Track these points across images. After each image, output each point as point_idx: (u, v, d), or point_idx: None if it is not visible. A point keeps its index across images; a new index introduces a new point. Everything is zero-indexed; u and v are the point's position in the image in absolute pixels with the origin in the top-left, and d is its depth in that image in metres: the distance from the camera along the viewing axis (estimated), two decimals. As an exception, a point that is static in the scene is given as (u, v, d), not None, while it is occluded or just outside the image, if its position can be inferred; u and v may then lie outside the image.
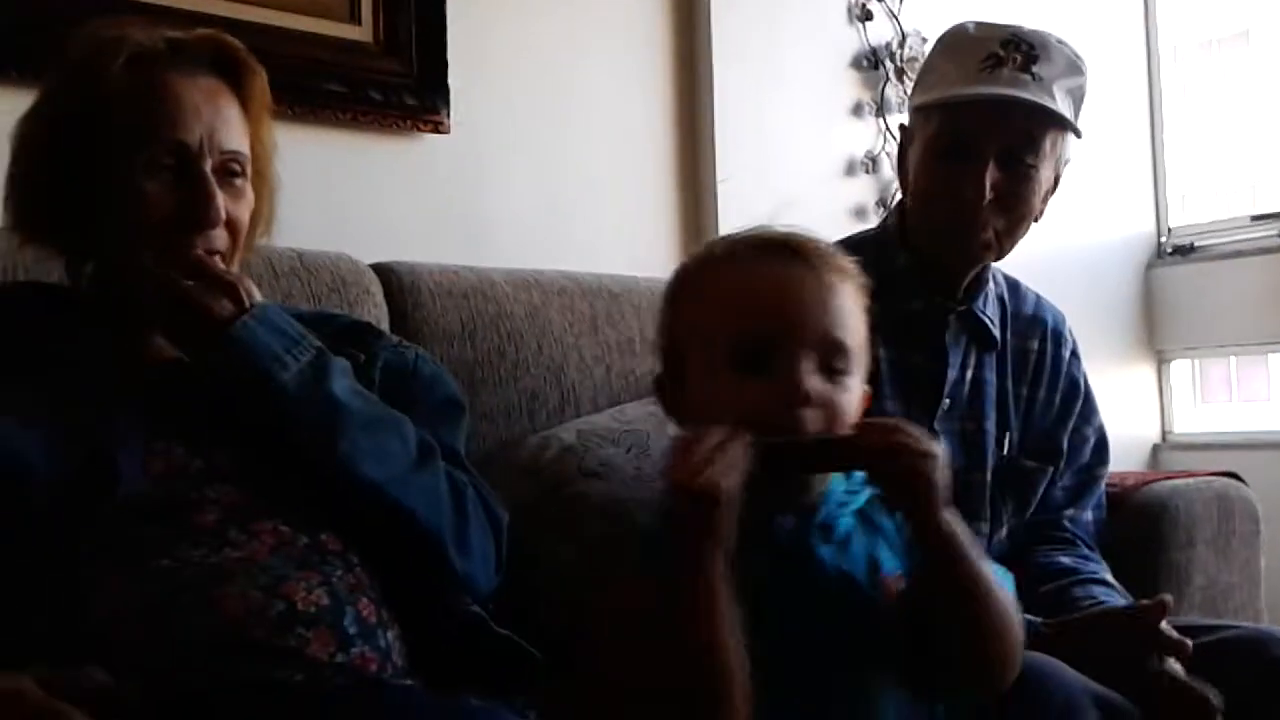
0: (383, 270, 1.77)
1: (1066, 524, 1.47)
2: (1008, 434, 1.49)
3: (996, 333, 1.50)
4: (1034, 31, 1.41)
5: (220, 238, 1.21)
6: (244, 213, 1.23)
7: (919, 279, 1.46)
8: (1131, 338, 3.20)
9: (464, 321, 1.75)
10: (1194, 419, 3.22)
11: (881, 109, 2.68)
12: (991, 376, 1.49)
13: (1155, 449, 3.20)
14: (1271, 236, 3.08)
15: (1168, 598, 1.22)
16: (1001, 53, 1.36)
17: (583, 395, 1.80)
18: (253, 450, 1.16)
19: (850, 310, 0.96)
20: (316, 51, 1.97)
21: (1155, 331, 3.22)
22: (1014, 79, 1.36)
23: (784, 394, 0.91)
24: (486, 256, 2.03)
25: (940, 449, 0.89)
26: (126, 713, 0.96)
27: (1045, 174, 1.40)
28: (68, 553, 1.05)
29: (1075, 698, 1.09)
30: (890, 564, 0.95)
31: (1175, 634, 1.20)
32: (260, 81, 1.27)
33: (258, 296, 1.16)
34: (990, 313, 1.50)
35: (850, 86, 2.67)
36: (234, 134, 1.22)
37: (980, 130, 1.37)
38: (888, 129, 2.67)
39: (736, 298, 0.95)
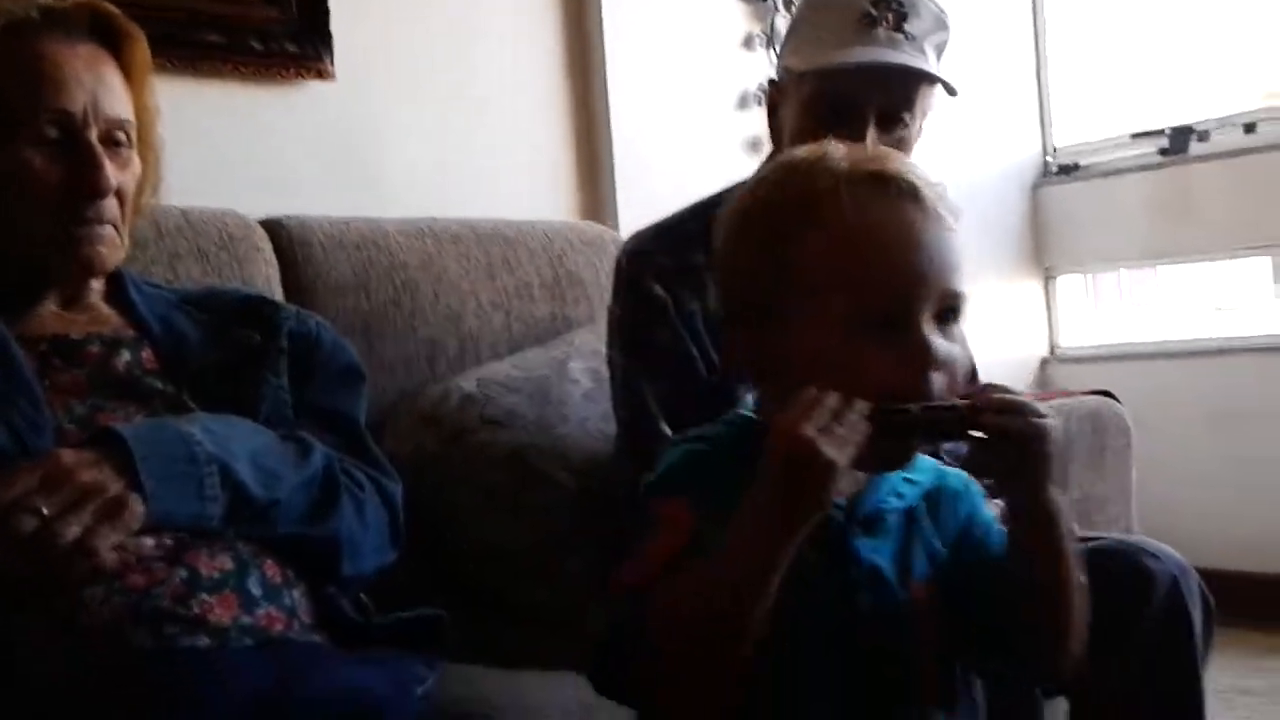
0: (271, 225, 1.75)
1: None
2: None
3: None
4: None
5: (110, 207, 1.20)
6: (131, 181, 1.22)
7: None
8: (1020, 256, 3.30)
9: (356, 273, 1.74)
10: (1080, 333, 3.34)
11: (771, 40, 2.69)
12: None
13: (1044, 363, 3.32)
14: (1151, 153, 3.19)
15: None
16: (874, 11, 1.37)
17: (482, 342, 1.81)
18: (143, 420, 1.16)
19: (961, 253, 0.87)
20: (194, 2, 1.93)
21: (1042, 249, 3.32)
22: (890, 39, 1.36)
23: (913, 359, 0.82)
24: (379, 205, 2.02)
25: (1055, 420, 0.84)
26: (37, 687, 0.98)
27: (917, 129, 1.42)
28: None
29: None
30: (921, 568, 0.89)
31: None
32: (141, 47, 1.25)
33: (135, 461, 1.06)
34: None
35: (740, 19, 2.68)
36: (117, 101, 1.20)
37: (859, 95, 1.37)
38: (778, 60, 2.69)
39: (860, 250, 0.83)
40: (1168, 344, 3.16)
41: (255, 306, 1.34)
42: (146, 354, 1.24)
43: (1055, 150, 3.36)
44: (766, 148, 2.61)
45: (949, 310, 0.85)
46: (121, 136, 1.21)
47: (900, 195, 0.85)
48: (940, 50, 1.43)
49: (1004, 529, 0.90)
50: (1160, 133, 3.16)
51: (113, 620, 1.02)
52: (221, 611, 1.07)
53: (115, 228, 1.21)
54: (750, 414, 0.92)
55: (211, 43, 1.96)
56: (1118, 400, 1.78)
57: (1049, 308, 3.35)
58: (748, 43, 2.69)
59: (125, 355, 1.22)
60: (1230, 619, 2.72)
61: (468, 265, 1.85)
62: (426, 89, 2.20)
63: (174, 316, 1.28)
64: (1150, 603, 1.25)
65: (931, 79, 1.39)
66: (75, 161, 1.16)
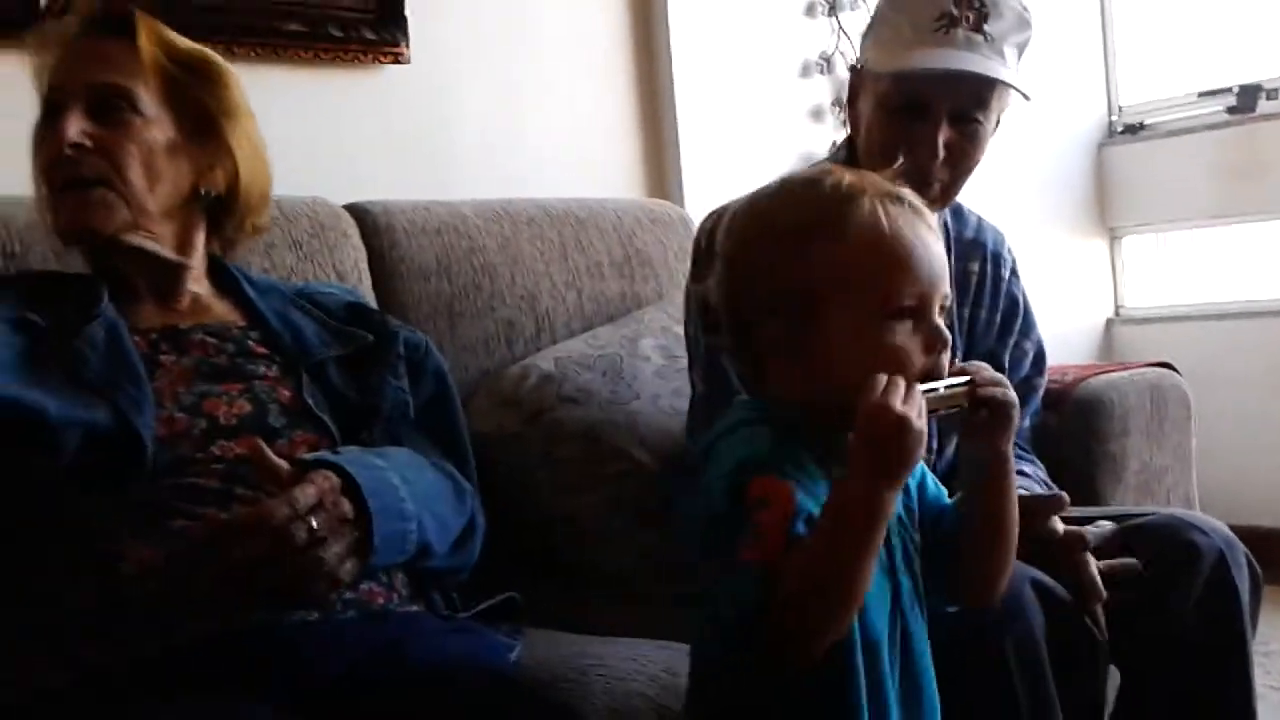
0: (357, 211, 1.82)
1: (1005, 432, 1.59)
2: (956, 355, 1.57)
3: (941, 260, 1.58)
4: None
5: (90, 165, 1.24)
6: (134, 144, 1.26)
7: None
8: (1085, 216, 3.30)
9: (439, 258, 1.81)
10: (1145, 294, 3.34)
11: (834, 8, 2.71)
12: (938, 302, 1.57)
13: (1109, 324, 3.33)
14: (1218, 112, 3.16)
15: (1064, 497, 1.33)
16: (955, 11, 1.39)
17: (557, 321, 1.87)
18: (248, 407, 1.25)
19: None
20: (274, -8, 2.01)
21: (1107, 209, 3.31)
22: (968, 40, 1.39)
23: (932, 343, 0.97)
24: (452, 184, 2.09)
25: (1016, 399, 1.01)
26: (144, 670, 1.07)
27: (991, 126, 1.45)
28: (95, 516, 1.14)
29: (1017, 584, 1.18)
30: (932, 489, 1.08)
31: (1061, 529, 1.31)
32: (148, 24, 1.31)
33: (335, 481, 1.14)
34: None
35: (804, -13, 2.69)
36: (109, 71, 1.27)
37: (934, 94, 1.41)
38: (841, 28, 2.71)
39: (895, 249, 0.97)
40: (1233, 305, 3.14)
41: (362, 312, 1.43)
42: (253, 341, 1.32)
43: (1121, 109, 3.33)
44: (830, 117, 2.68)
45: (944, 307, 1.00)
46: (119, 103, 1.26)
47: (916, 213, 1.00)
48: (1022, 49, 1.45)
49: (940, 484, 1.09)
50: (1228, 91, 3.13)
51: (229, 598, 1.10)
52: (325, 586, 1.13)
53: (107, 186, 1.25)
54: (754, 402, 1.06)
55: (293, 31, 2.04)
56: (1177, 371, 1.81)
57: (1114, 268, 3.35)
58: (810, 10, 2.70)
59: (231, 345, 1.30)
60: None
61: (542, 246, 1.92)
62: (497, 71, 2.25)
63: (289, 311, 1.36)
64: (1198, 576, 1.31)
65: (1004, 83, 1.41)
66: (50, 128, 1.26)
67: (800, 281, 0.98)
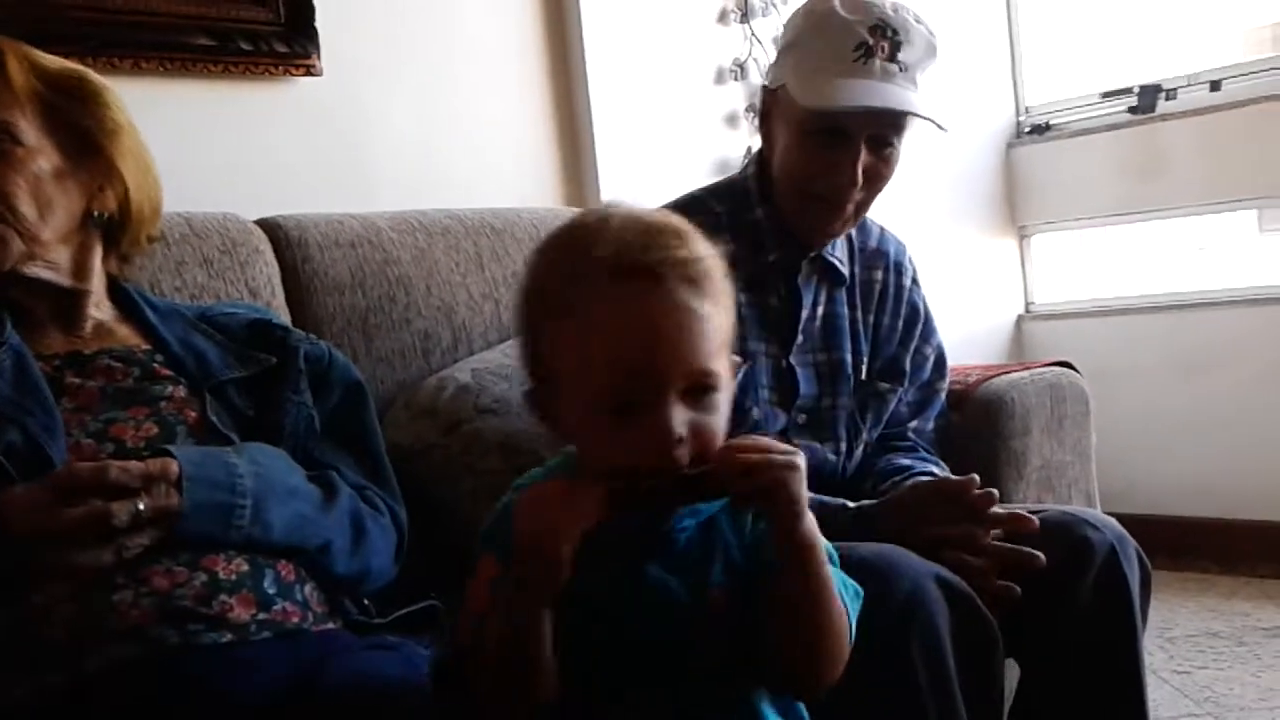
0: (269, 226, 1.82)
1: (910, 435, 1.64)
2: (862, 360, 1.62)
3: (845, 270, 1.62)
4: (897, 13, 1.47)
5: None
6: (21, 177, 1.24)
7: (774, 232, 1.57)
8: (994, 215, 3.38)
9: (353, 271, 1.81)
10: (1054, 291, 3.43)
11: (746, 15, 2.75)
12: (844, 310, 1.61)
13: (1019, 320, 3.41)
14: (1121, 111, 3.26)
15: (975, 478, 1.38)
16: (870, 41, 1.43)
17: (474, 332, 1.88)
18: (155, 430, 1.25)
19: (716, 326, 0.92)
20: (182, 7, 1.99)
21: (1016, 208, 3.40)
22: (884, 71, 1.43)
23: (652, 438, 0.89)
24: (367, 196, 2.10)
25: (801, 460, 0.90)
26: (70, 685, 1.07)
27: (903, 143, 1.50)
28: (4, 543, 1.12)
29: (920, 582, 1.22)
30: (717, 577, 0.96)
31: (983, 506, 1.36)
32: (13, 57, 1.28)
33: (173, 468, 1.16)
34: (839, 254, 1.62)
35: (715, -7, 2.72)
36: None
37: (854, 124, 1.45)
38: (754, 35, 2.75)
39: (602, 346, 0.90)
40: (1140, 299, 3.23)
41: (263, 330, 1.43)
42: (158, 364, 1.32)
43: (1028, 110, 3.42)
44: (744, 122, 2.72)
45: (699, 387, 0.91)
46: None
47: (641, 280, 0.90)
48: (929, 72, 1.49)
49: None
50: (1129, 91, 3.23)
51: (141, 621, 1.11)
52: (241, 609, 1.16)
53: (1, 222, 1.23)
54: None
55: (201, 45, 2.02)
56: (1077, 370, 1.88)
57: (1024, 266, 3.43)
58: (723, 17, 2.74)
59: (136, 368, 1.30)
60: (1196, 564, 2.87)
61: (458, 257, 1.92)
62: (410, 82, 2.25)
63: (190, 334, 1.37)
64: (1090, 570, 1.36)
65: (922, 116, 1.46)
66: None
67: (537, 360, 0.96)
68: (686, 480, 0.90)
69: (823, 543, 0.93)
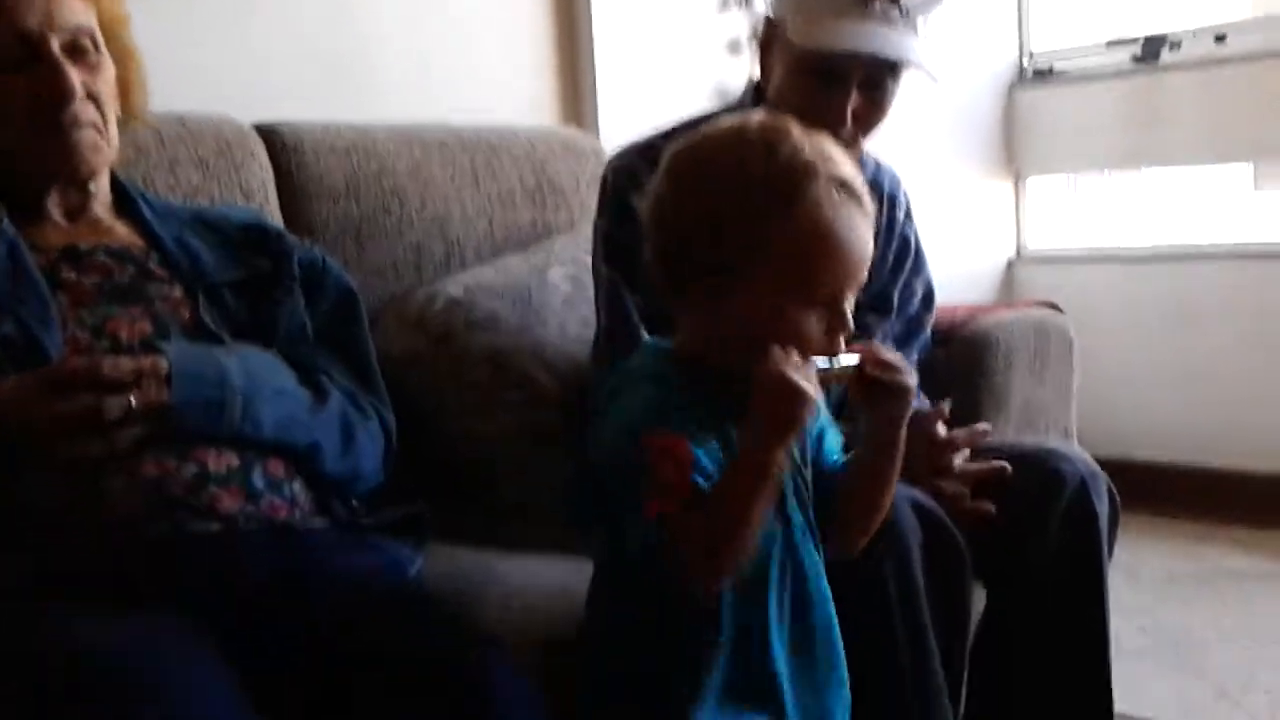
0: (266, 131, 1.80)
1: (896, 366, 1.66)
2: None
3: (839, 201, 1.63)
4: None
5: (84, 111, 1.27)
6: (103, 84, 1.30)
7: None
8: (991, 158, 3.38)
9: (347, 179, 1.81)
10: (1048, 237, 3.44)
11: (753, -58, 2.72)
12: (835, 239, 1.62)
13: (1010, 264, 3.43)
14: (1125, 60, 3.25)
15: (944, 406, 1.46)
16: None
17: (467, 247, 1.89)
18: (150, 328, 1.26)
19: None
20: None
21: (1014, 151, 3.40)
22: (884, 14, 1.42)
23: (836, 330, 1.04)
24: (364, 105, 2.07)
25: (914, 381, 1.08)
26: (64, 571, 1.09)
27: (899, 87, 1.50)
28: None
29: (895, 504, 1.25)
30: (831, 442, 1.15)
31: (943, 433, 1.42)
32: None
33: (163, 365, 1.18)
34: None
35: (721, -82, 2.69)
36: (74, 11, 1.27)
37: (847, 67, 1.45)
38: (760, -38, 2.72)
39: (830, 244, 1.03)
40: (1132, 249, 3.25)
41: (258, 233, 1.43)
42: (154, 264, 1.33)
43: (1031, 55, 3.41)
44: (746, 50, 2.70)
45: (852, 300, 1.06)
46: (86, 43, 1.28)
47: (858, 204, 1.05)
48: (933, 13, 1.48)
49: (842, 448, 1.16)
50: (1134, 41, 3.22)
51: (132, 511, 1.13)
52: (229, 501, 1.18)
53: (96, 130, 1.28)
54: (662, 344, 1.11)
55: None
56: (1061, 311, 1.90)
57: (1018, 209, 3.44)
58: (730, -57, 2.71)
59: (132, 266, 1.31)
60: (1170, 509, 2.92)
61: (453, 171, 1.92)
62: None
63: (185, 234, 1.37)
64: (1060, 501, 1.39)
65: (917, 65, 1.45)
66: (39, 74, 1.24)
67: (734, 247, 1.02)
68: (848, 367, 1.06)
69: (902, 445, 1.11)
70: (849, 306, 1.05)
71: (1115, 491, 1.44)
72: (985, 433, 1.47)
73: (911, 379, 1.08)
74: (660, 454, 0.99)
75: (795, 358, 0.99)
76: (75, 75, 1.25)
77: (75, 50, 1.27)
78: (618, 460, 1.02)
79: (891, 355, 1.08)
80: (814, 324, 1.03)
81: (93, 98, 1.28)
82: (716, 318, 1.05)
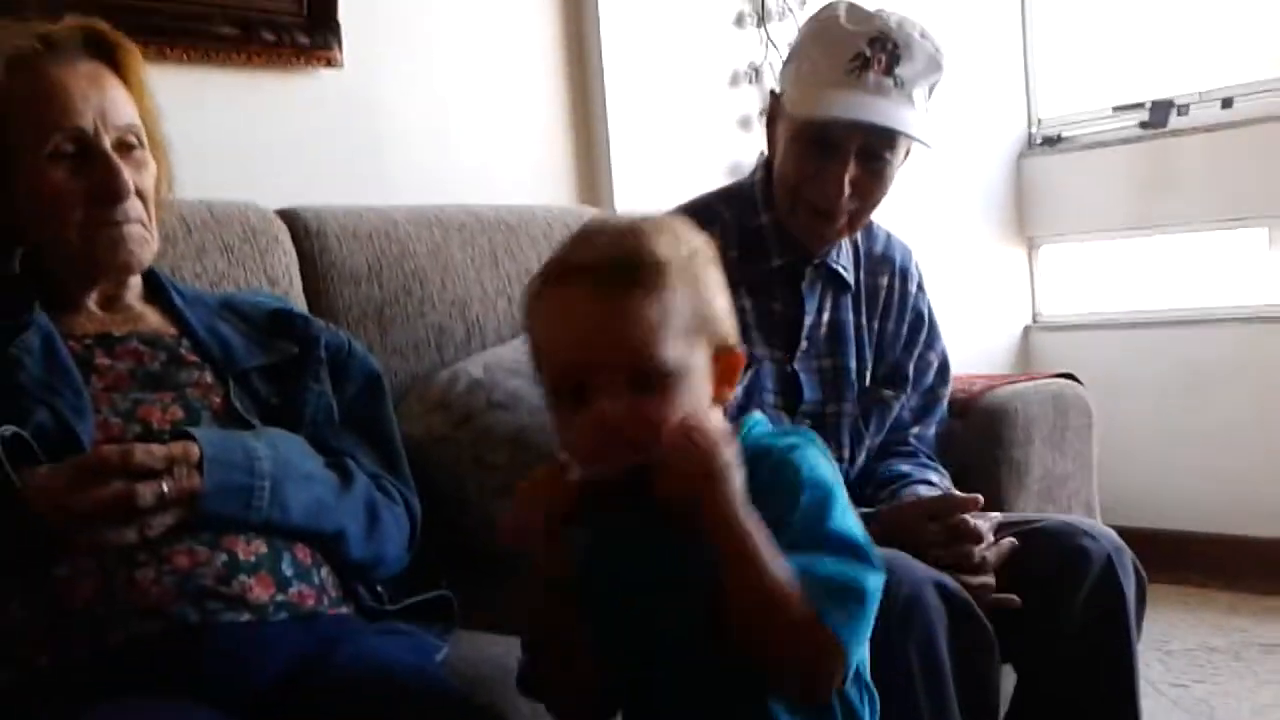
0: (289, 216, 1.84)
1: (912, 440, 1.66)
2: (866, 367, 1.65)
3: (850, 277, 1.65)
4: (900, 27, 1.49)
5: (134, 207, 1.31)
6: (149, 180, 1.33)
7: (778, 239, 1.60)
8: (1004, 225, 3.40)
9: (370, 263, 1.84)
10: (1062, 303, 3.44)
11: (763, 19, 2.77)
12: (848, 316, 1.64)
13: (1026, 331, 3.43)
14: (1132, 126, 3.28)
15: (978, 497, 1.43)
16: (868, 53, 1.45)
17: (487, 327, 1.91)
18: (181, 414, 1.28)
19: (661, 316, 0.93)
20: (208, -4, 2.02)
21: (1026, 218, 3.42)
22: (878, 84, 1.45)
23: (586, 428, 0.92)
24: (385, 189, 2.12)
25: (729, 451, 0.89)
26: (94, 659, 1.10)
27: (899, 160, 1.52)
28: (31, 520, 1.14)
29: (919, 586, 1.25)
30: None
31: (972, 524, 1.40)
32: (134, 55, 1.35)
33: (194, 452, 1.19)
34: (843, 261, 1.65)
35: (733, -2, 2.74)
36: (122, 109, 1.31)
37: (843, 136, 1.48)
38: (770, 39, 2.77)
39: (547, 336, 0.98)
40: (1143, 314, 3.25)
41: (285, 319, 1.45)
42: (185, 350, 1.35)
43: (1039, 122, 3.44)
44: (758, 126, 2.75)
45: (642, 374, 0.92)
46: (133, 140, 1.31)
47: (584, 279, 0.94)
48: (933, 89, 1.51)
49: None
50: (1141, 106, 3.25)
51: (162, 599, 1.13)
52: (259, 590, 1.18)
53: (143, 225, 1.32)
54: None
55: (225, 35, 2.05)
56: (1080, 382, 1.90)
57: (1032, 277, 3.45)
58: (739, 20, 2.76)
59: (163, 353, 1.33)
60: (1196, 579, 2.88)
61: (473, 253, 1.94)
62: (429, 76, 2.28)
63: (215, 321, 1.39)
64: (1086, 579, 1.39)
65: (908, 135, 1.48)
66: (95, 171, 1.27)
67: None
68: (630, 474, 0.91)
69: (762, 535, 0.90)
70: (608, 400, 0.91)
71: (1141, 568, 1.43)
72: (998, 521, 1.45)
73: (720, 446, 0.89)
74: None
75: (533, 488, 0.95)
76: (127, 173, 1.28)
77: (123, 147, 1.30)
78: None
79: (691, 445, 0.89)
80: (569, 425, 0.95)
81: (140, 194, 1.31)
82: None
